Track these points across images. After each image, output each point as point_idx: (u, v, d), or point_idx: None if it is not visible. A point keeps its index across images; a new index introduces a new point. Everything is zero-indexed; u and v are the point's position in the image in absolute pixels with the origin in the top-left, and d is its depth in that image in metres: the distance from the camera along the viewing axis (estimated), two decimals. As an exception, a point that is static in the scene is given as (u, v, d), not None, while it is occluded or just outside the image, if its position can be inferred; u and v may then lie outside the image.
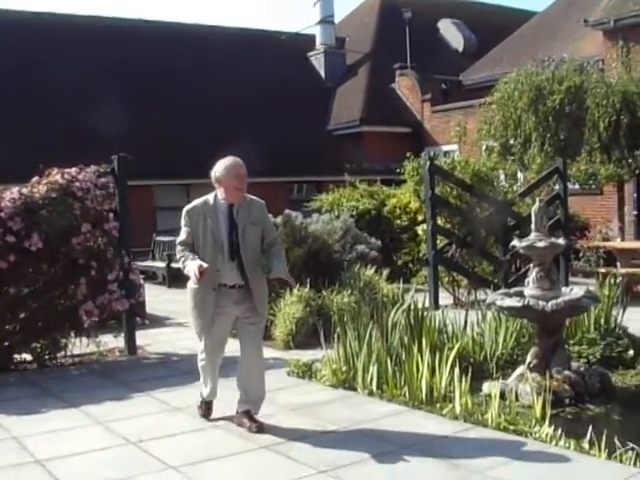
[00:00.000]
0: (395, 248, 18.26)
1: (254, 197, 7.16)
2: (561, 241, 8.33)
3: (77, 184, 10.21)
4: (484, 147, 21.21)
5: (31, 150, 21.24)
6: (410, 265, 17.86)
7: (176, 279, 17.86)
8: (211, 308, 6.89)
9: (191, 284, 6.92)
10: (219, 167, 6.97)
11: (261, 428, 6.97)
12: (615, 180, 19.28)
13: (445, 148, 27.62)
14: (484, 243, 14.59)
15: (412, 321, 8.89)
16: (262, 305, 7.09)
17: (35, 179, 10.31)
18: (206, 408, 7.48)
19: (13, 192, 9.88)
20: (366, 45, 33.84)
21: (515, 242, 8.35)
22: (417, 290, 11.00)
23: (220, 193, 6.96)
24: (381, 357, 8.29)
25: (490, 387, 7.78)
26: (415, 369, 7.84)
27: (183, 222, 7.00)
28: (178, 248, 7.05)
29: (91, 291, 10.09)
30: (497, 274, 14.47)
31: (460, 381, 7.44)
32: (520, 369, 8.13)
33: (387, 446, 6.54)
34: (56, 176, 10.23)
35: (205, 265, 6.63)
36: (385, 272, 12.85)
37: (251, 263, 6.94)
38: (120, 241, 10.57)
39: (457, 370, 7.57)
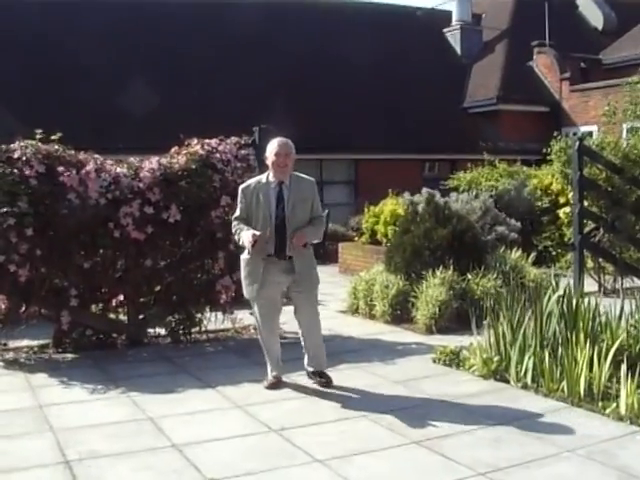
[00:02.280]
0: (535, 231, 17.52)
1: (303, 175, 7.71)
2: None
3: (217, 155, 9.92)
4: (625, 129, 20.22)
5: (166, 120, 21.23)
6: (550, 249, 17.11)
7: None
8: (260, 276, 7.43)
9: (244, 255, 7.56)
10: (267, 147, 7.58)
11: (330, 382, 7.77)
12: None
13: (583, 128, 26.53)
14: (633, 229, 13.79)
15: (565, 309, 8.26)
16: (306, 276, 7.54)
17: (174, 149, 10.06)
18: (271, 381, 7.81)
19: (152, 162, 9.63)
20: (503, 22, 32.89)
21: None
22: (560, 275, 10.29)
23: (270, 171, 7.51)
24: (536, 348, 7.72)
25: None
26: (573, 362, 7.25)
27: (239, 199, 7.67)
28: (234, 223, 7.68)
29: (229, 266, 9.75)
30: (645, 262, 13.69)
31: (627, 378, 6.81)
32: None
33: (549, 447, 5.97)
34: (196, 147, 9.94)
35: (258, 233, 7.23)
36: (532, 256, 12.24)
37: None
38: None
39: (624, 366, 6.94)
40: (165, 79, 24.89)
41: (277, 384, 7.74)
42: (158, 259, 9.69)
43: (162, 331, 10.25)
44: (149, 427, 6.61)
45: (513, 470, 5.53)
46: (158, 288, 10.02)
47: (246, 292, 7.66)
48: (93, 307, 9.94)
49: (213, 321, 10.29)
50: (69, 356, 9.45)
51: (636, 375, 6.83)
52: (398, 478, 5.44)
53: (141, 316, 10.05)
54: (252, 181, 7.68)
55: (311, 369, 7.88)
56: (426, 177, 27.05)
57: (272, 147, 7.47)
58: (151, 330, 10.20)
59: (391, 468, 5.62)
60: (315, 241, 7.82)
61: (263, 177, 7.60)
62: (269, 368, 7.85)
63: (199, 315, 10.20)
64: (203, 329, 10.32)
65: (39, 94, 22.24)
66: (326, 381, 7.78)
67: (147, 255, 9.54)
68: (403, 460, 5.78)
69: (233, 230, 7.66)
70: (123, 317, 10.15)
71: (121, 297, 9.96)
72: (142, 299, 10.03)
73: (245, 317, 10.35)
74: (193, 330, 10.25)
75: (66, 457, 5.86)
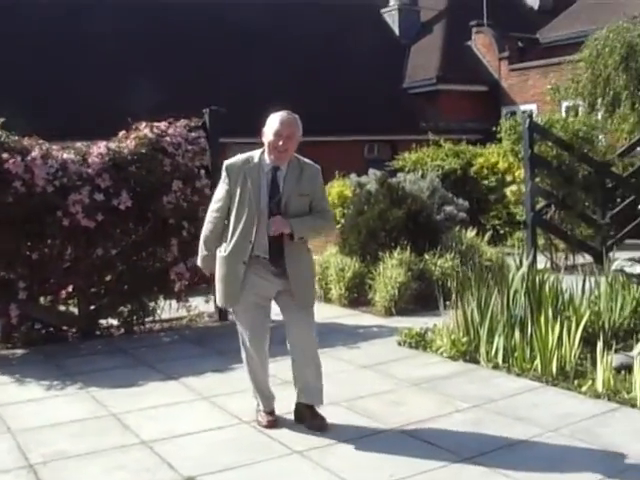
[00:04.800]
0: (481, 210, 17.45)
1: (308, 161, 6.00)
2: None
3: (167, 139, 9.61)
4: (564, 107, 20.35)
5: (116, 104, 20.80)
6: (498, 228, 17.05)
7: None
8: (239, 282, 5.76)
9: (221, 252, 5.89)
10: (267, 121, 5.88)
11: (324, 426, 5.97)
12: None
13: (523, 107, 26.63)
14: (582, 205, 13.78)
15: (530, 287, 8.10)
16: (303, 291, 5.90)
17: (122, 133, 9.70)
18: (268, 417, 6.16)
19: (100, 147, 9.28)
20: (440, 2, 32.89)
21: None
22: (512, 254, 10.11)
23: (265, 152, 5.86)
24: (506, 327, 7.57)
25: (619, 360, 6.99)
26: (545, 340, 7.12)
27: (222, 179, 5.89)
28: (208, 218, 5.99)
29: (182, 252, 9.46)
30: (595, 238, 13.67)
31: (602, 355, 6.68)
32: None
33: (531, 429, 5.80)
34: (145, 130, 9.60)
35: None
36: (487, 235, 12.14)
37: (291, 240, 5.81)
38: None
39: (600, 342, 6.82)
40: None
41: (276, 421, 6.11)
42: (109, 247, 9.35)
43: (115, 322, 9.92)
44: (114, 424, 6.30)
45: (499, 454, 5.34)
46: (109, 277, 9.69)
47: (219, 298, 6.02)
48: (42, 299, 9.56)
49: (167, 310, 10.00)
50: (19, 352, 9.08)
51: (612, 351, 6.75)
52: (384, 467, 5.18)
53: (92, 307, 9.72)
54: (239, 158, 5.86)
55: (302, 400, 6.16)
56: (367, 159, 26.90)
57: (273, 123, 5.79)
58: (103, 321, 9.87)
59: (374, 457, 5.39)
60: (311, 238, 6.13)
61: (255, 155, 5.85)
62: (259, 402, 6.23)
63: (152, 304, 9.93)
64: (157, 318, 10.06)
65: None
66: (320, 423, 6.01)
67: (98, 244, 9.19)
68: (386, 447, 5.55)
69: (206, 221, 6.01)
70: (73, 309, 9.81)
71: (70, 288, 9.61)
72: (93, 289, 9.70)
73: (200, 304, 10.09)
74: (147, 320, 9.99)
75: (29, 460, 5.53)
